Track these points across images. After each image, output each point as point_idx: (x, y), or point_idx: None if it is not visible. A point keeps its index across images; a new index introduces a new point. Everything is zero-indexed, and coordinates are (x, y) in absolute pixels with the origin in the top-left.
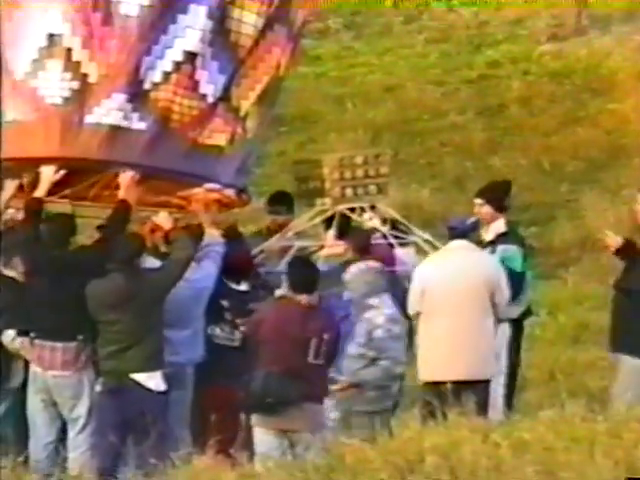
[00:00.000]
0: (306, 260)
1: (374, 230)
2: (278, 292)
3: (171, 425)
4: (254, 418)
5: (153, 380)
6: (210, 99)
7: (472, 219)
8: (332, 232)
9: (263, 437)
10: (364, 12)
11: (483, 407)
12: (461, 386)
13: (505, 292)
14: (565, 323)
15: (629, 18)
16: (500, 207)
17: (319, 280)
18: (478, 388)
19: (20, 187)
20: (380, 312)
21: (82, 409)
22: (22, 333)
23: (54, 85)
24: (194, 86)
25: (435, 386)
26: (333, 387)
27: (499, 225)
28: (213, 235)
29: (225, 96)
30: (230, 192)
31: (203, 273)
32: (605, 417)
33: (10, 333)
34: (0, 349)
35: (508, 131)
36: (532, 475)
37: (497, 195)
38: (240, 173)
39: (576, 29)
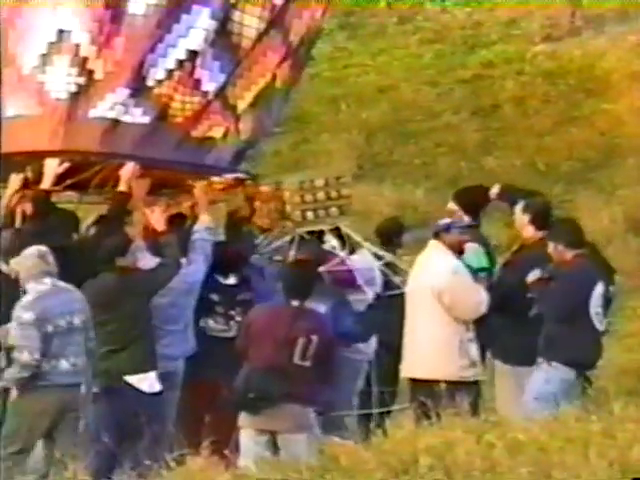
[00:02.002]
0: (302, 266)
1: (333, 253)
2: None
3: (165, 426)
4: (240, 418)
5: (147, 382)
6: (211, 96)
7: (446, 220)
8: (292, 253)
9: (247, 437)
10: (358, 13)
11: (476, 408)
12: (455, 386)
13: (457, 295)
14: None
15: (623, 18)
16: (468, 209)
17: (313, 286)
18: (472, 389)
19: (25, 181)
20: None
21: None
22: None
23: (60, 80)
24: (195, 84)
25: (428, 386)
26: None
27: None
28: (205, 222)
29: (222, 94)
30: (230, 176)
31: (193, 267)
32: (599, 417)
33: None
34: None
35: (502, 131)
36: (526, 476)
37: (466, 198)
38: (237, 159)
39: (570, 29)
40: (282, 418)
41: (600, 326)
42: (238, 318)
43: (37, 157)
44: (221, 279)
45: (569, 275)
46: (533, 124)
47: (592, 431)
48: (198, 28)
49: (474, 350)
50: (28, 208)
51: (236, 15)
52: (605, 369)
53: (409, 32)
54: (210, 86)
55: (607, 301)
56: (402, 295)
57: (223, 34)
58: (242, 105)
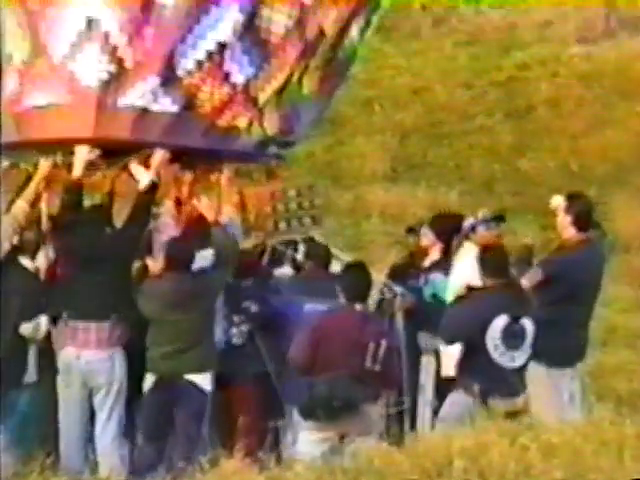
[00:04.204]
0: (360, 268)
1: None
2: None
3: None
4: (306, 425)
5: (206, 381)
6: (239, 88)
7: (470, 220)
8: (265, 261)
9: (310, 443)
10: (393, 14)
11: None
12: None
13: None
14: (593, 326)
15: None
16: (440, 236)
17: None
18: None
19: (54, 167)
20: None
21: (112, 395)
22: (52, 320)
23: (91, 68)
24: (224, 75)
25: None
26: None
27: (435, 253)
28: (228, 213)
29: (245, 86)
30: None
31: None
32: (633, 421)
33: (38, 323)
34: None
35: (536, 133)
36: (561, 479)
37: (440, 225)
38: (263, 147)
39: (605, 32)
40: (357, 422)
41: (499, 358)
42: (243, 328)
43: (67, 144)
44: (231, 279)
45: (470, 301)
46: (567, 126)
47: (626, 434)
48: (227, 21)
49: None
50: (54, 200)
51: (265, 11)
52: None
53: (443, 34)
54: (239, 78)
55: (517, 335)
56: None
57: (251, 29)
58: (263, 97)
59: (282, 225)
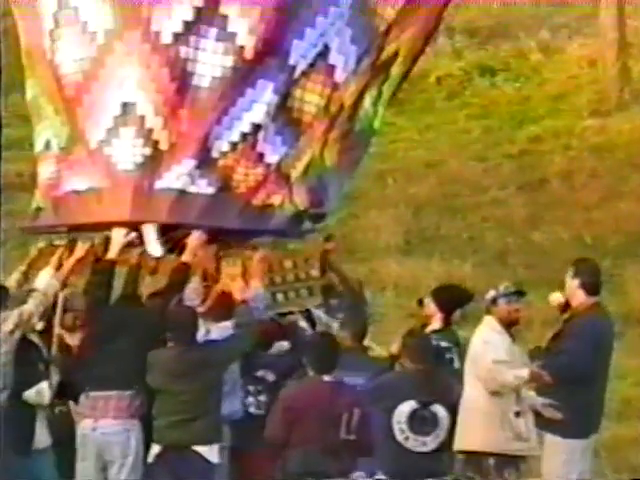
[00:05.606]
0: (327, 339)
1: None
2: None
3: None
4: None
5: (213, 452)
6: (273, 168)
7: (491, 292)
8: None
9: None
10: (406, 88)
11: None
12: (503, 461)
13: (480, 365)
14: (609, 398)
15: None
16: (442, 307)
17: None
18: (520, 463)
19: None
20: None
21: (126, 469)
22: (69, 394)
23: (126, 152)
24: (258, 155)
25: (477, 461)
26: None
27: (436, 323)
28: (257, 289)
29: (278, 164)
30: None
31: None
32: None
33: (40, 389)
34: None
35: (550, 206)
36: None
37: (443, 296)
38: (296, 222)
39: (618, 104)
40: None
41: (406, 442)
42: (260, 397)
43: (104, 227)
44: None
45: (379, 382)
46: (580, 198)
47: None
48: (261, 102)
49: (520, 423)
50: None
51: (297, 92)
52: None
53: (457, 107)
54: (273, 159)
55: (426, 421)
56: None
57: (284, 109)
58: (294, 174)
59: (280, 297)
